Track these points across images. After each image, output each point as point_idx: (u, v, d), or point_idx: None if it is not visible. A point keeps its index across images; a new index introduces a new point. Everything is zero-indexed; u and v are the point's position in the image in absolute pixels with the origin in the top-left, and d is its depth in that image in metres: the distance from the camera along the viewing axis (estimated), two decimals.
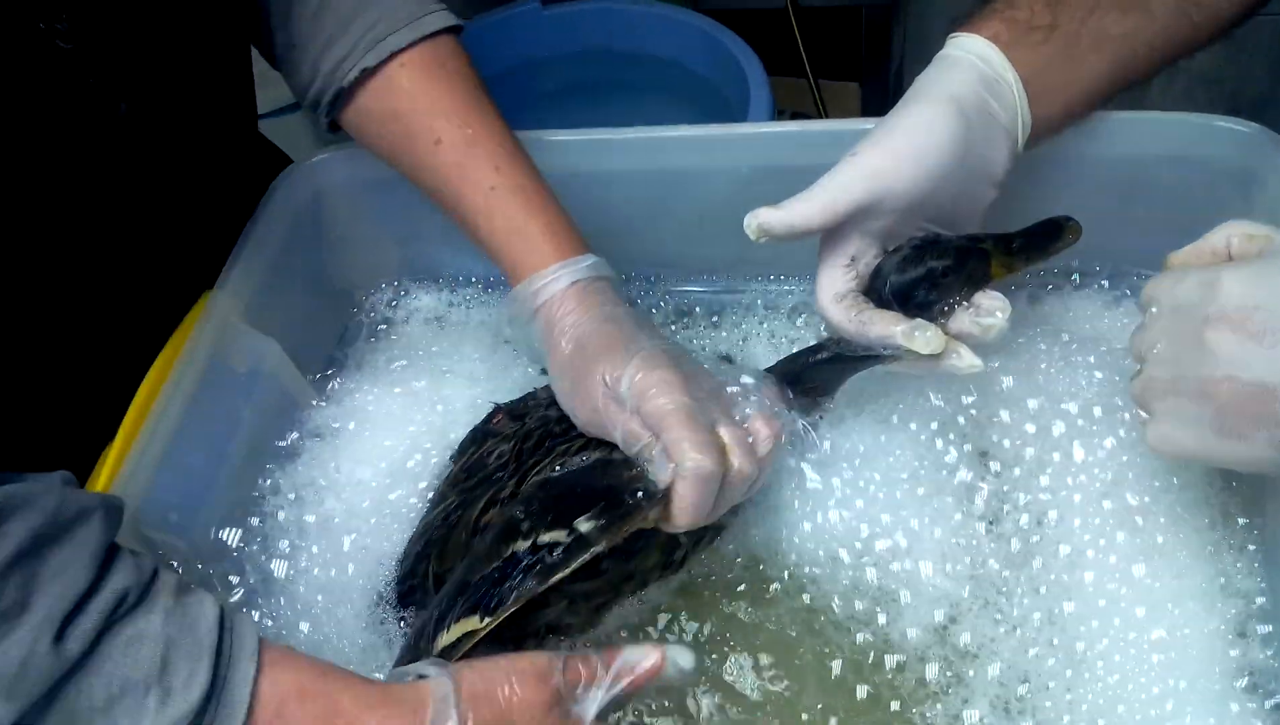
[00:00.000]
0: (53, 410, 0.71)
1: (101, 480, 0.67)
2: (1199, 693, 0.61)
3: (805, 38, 1.58)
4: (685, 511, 0.59)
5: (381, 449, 0.80)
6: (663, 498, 0.59)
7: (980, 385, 0.73)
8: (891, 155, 0.64)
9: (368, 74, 0.74)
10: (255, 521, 0.76)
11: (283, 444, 0.81)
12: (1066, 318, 0.79)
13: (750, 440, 0.62)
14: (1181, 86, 1.65)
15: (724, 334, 0.87)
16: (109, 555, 0.52)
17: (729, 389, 0.65)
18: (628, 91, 1.37)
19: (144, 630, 0.51)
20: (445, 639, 0.59)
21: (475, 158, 0.73)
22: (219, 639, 0.52)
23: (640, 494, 0.59)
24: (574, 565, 0.58)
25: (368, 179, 0.84)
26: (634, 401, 0.61)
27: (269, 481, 0.79)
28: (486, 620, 0.58)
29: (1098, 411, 0.72)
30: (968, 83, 0.66)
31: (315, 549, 0.75)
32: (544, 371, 0.75)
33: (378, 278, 0.95)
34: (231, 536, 0.75)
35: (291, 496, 0.78)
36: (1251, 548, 0.66)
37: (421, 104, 0.74)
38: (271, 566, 0.74)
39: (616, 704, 0.60)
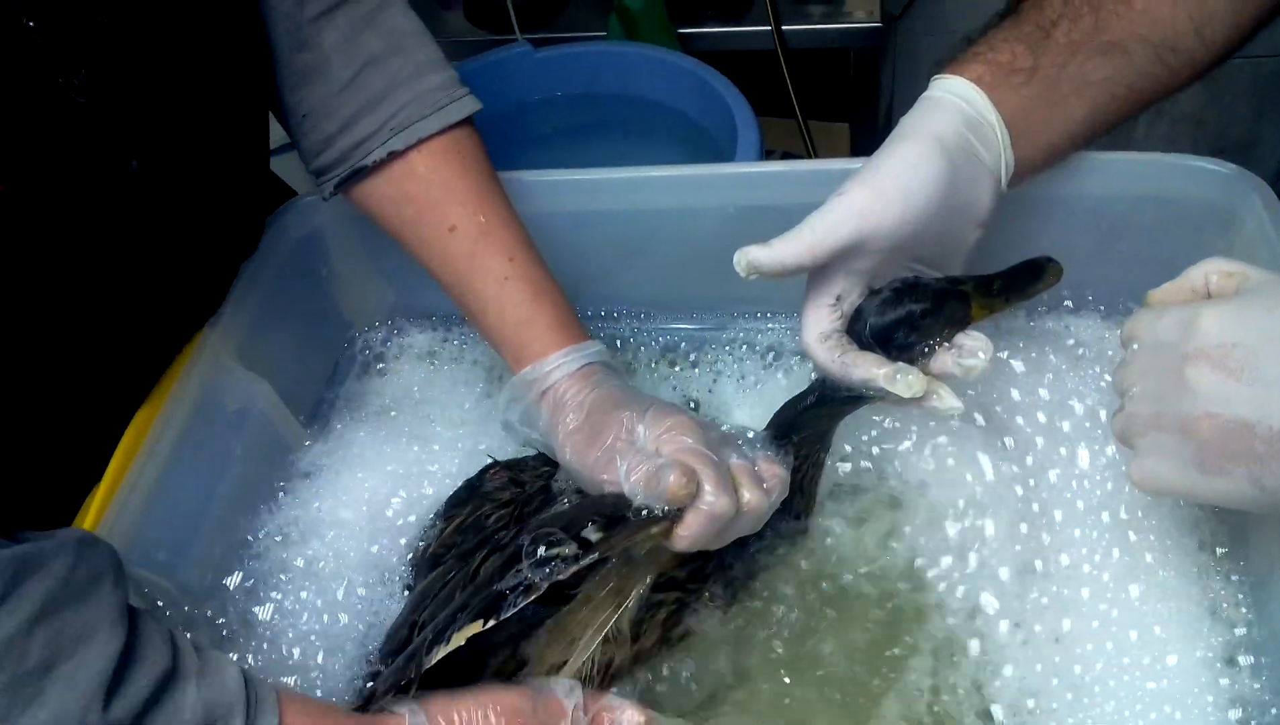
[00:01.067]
0: (45, 449, 0.71)
1: (89, 518, 0.67)
2: (1193, 723, 0.61)
3: (794, 79, 1.60)
4: (691, 538, 0.60)
5: (363, 490, 0.80)
6: (667, 519, 0.60)
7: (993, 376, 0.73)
8: (878, 194, 0.65)
9: (391, 157, 0.75)
10: (246, 562, 0.76)
11: (271, 486, 0.81)
12: (1068, 331, 0.80)
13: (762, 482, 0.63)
14: (1165, 128, 1.67)
15: (696, 372, 0.88)
16: (133, 620, 0.53)
17: (738, 442, 0.66)
18: (617, 133, 1.38)
19: (183, 701, 0.52)
20: (443, 650, 0.59)
21: (488, 247, 0.74)
22: (247, 697, 0.54)
23: (645, 513, 0.60)
24: (578, 566, 0.59)
25: (364, 216, 0.85)
26: (653, 444, 0.63)
27: (257, 521, 0.78)
28: (490, 623, 0.58)
29: (1103, 415, 0.72)
30: (952, 123, 0.67)
31: (304, 594, 0.75)
32: (537, 455, 0.76)
33: (372, 315, 0.95)
34: (219, 579, 0.74)
35: (279, 538, 0.78)
36: (1236, 577, 0.67)
37: (437, 190, 0.75)
38: (257, 611, 0.74)
39: None
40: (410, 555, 0.75)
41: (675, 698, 0.68)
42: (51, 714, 0.48)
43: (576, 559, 0.59)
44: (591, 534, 0.60)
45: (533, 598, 0.59)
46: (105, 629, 0.51)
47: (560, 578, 0.59)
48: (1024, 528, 0.71)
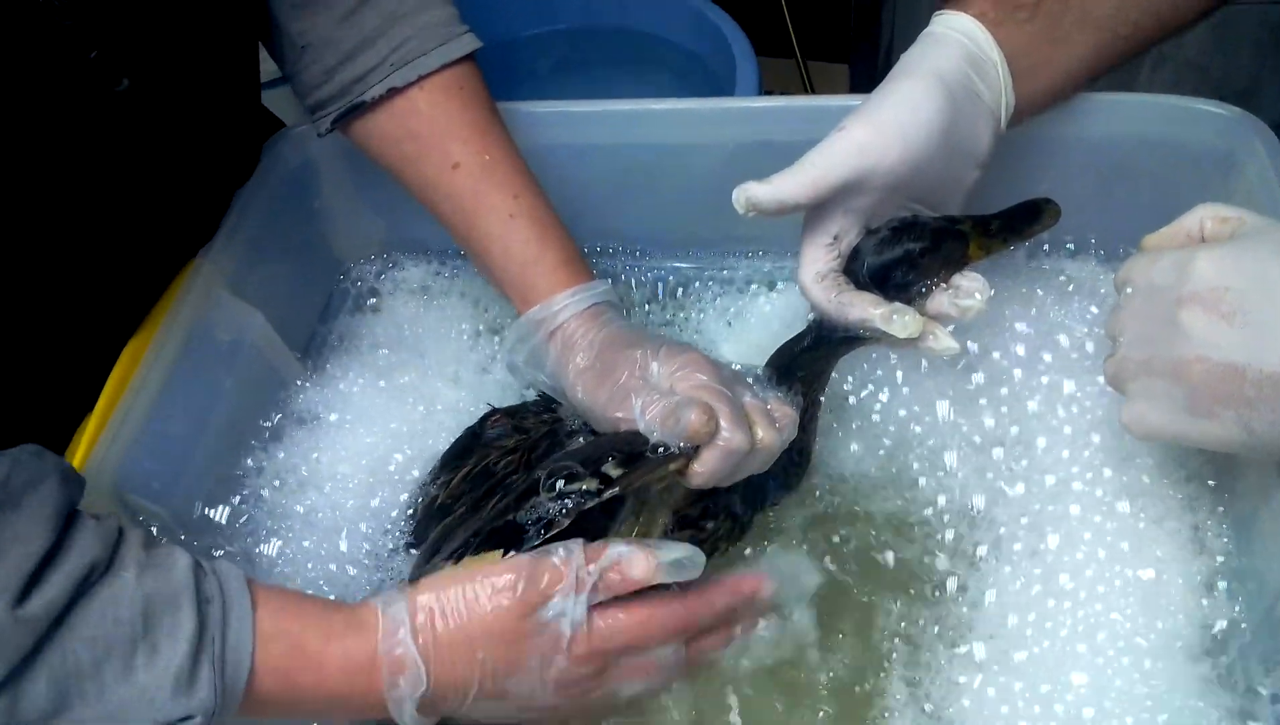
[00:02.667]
0: (37, 376, 0.71)
1: (81, 447, 0.67)
2: (1170, 637, 0.63)
3: (794, 18, 1.58)
4: (707, 474, 0.61)
5: (363, 446, 0.80)
6: (683, 456, 0.60)
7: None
8: (878, 131, 0.65)
9: (392, 92, 0.74)
10: (237, 501, 0.76)
11: (266, 424, 0.81)
12: (1062, 270, 0.80)
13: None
14: (1169, 74, 1.65)
15: (687, 308, 0.89)
16: (69, 522, 0.53)
17: (749, 381, 0.67)
18: (613, 68, 1.37)
19: (119, 592, 0.52)
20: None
21: (493, 184, 0.73)
22: (196, 585, 0.53)
23: (661, 450, 0.60)
24: (599, 501, 0.59)
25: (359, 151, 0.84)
26: (666, 381, 0.63)
27: (251, 461, 0.79)
28: (512, 554, 0.58)
29: (1089, 347, 0.73)
30: (953, 60, 0.67)
31: (306, 544, 0.75)
32: (541, 396, 0.75)
33: (365, 248, 0.95)
34: (214, 512, 0.75)
35: (276, 483, 0.78)
36: (1220, 508, 0.68)
37: (440, 127, 0.74)
38: (258, 549, 0.74)
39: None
40: (410, 511, 0.75)
41: None
42: None
43: (598, 494, 0.59)
44: (611, 470, 0.60)
45: (553, 533, 0.59)
46: (32, 530, 0.51)
47: (585, 507, 0.59)
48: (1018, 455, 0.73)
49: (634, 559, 0.58)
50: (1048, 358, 0.74)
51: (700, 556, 0.61)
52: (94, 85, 0.64)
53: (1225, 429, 0.54)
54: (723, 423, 0.60)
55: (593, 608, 0.58)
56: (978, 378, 0.74)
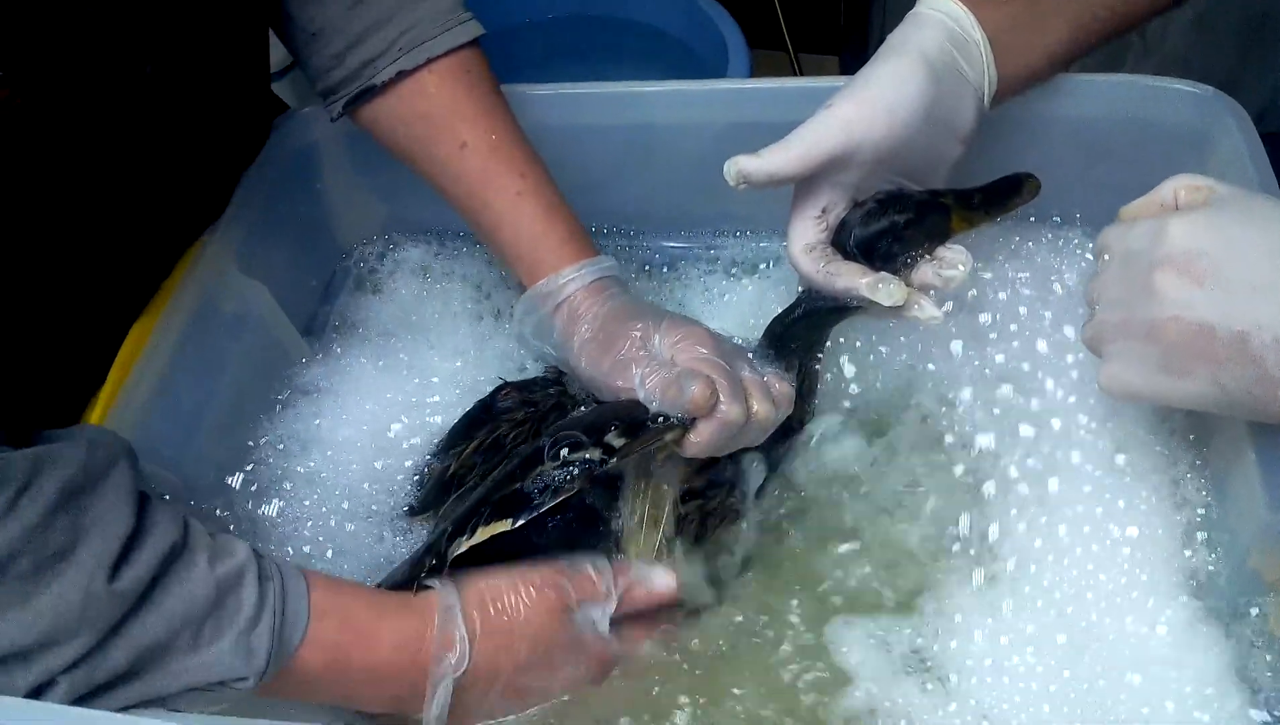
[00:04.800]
0: (52, 352, 0.73)
1: (94, 415, 0.69)
2: (1156, 587, 0.65)
3: (785, 11, 1.60)
4: (703, 445, 0.63)
5: (364, 413, 0.82)
6: (681, 426, 0.62)
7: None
8: (865, 107, 0.67)
9: (401, 76, 0.76)
10: (249, 467, 0.78)
11: (272, 396, 0.83)
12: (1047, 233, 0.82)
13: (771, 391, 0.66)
14: (1153, 66, 1.67)
15: (681, 285, 0.91)
16: (143, 502, 0.56)
17: (748, 355, 0.69)
18: (607, 57, 1.39)
19: (194, 572, 0.55)
20: (467, 543, 0.61)
21: (500, 163, 0.75)
22: (258, 566, 0.57)
23: (661, 419, 0.62)
24: (603, 470, 0.61)
25: (366, 135, 0.85)
26: (667, 352, 0.65)
27: (259, 430, 0.81)
28: (519, 522, 0.61)
29: (1082, 312, 0.74)
30: (937, 39, 0.69)
31: (307, 503, 0.77)
32: (549, 369, 0.78)
33: (368, 229, 0.96)
34: (223, 479, 0.77)
35: (281, 447, 0.80)
36: (1199, 462, 0.70)
37: (448, 109, 0.76)
38: (261, 511, 0.76)
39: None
40: (417, 476, 0.77)
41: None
42: (63, 592, 0.50)
43: (601, 463, 0.61)
44: (614, 439, 0.62)
45: (559, 499, 0.61)
46: (117, 511, 0.53)
47: (590, 474, 0.61)
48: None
49: (655, 578, 0.64)
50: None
51: (710, 594, 0.66)
52: (122, 71, 0.66)
53: (1199, 387, 0.57)
54: (719, 395, 0.62)
55: (613, 622, 0.63)
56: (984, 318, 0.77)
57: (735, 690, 0.65)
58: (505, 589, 0.61)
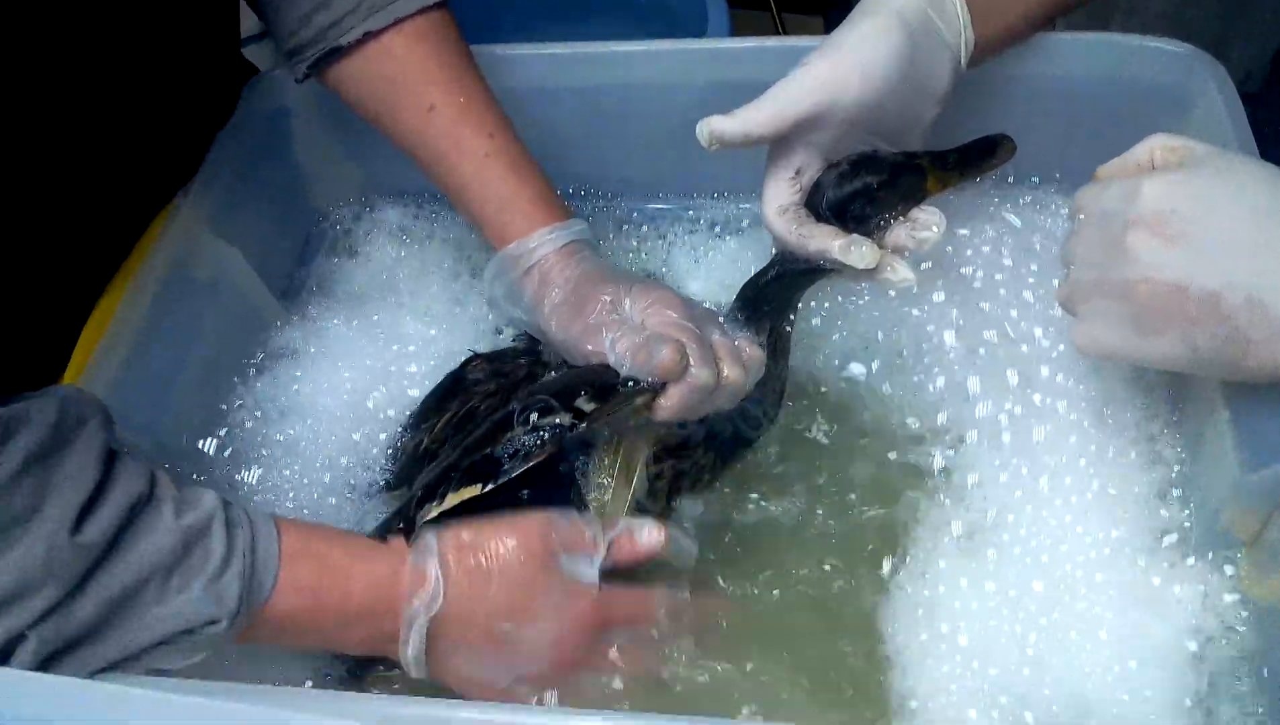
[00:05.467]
0: (24, 316, 0.72)
1: (66, 380, 0.69)
2: (1131, 541, 0.66)
3: None
4: (673, 409, 0.63)
5: (342, 380, 0.82)
6: (652, 390, 0.62)
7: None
8: (839, 66, 0.66)
9: (367, 37, 0.75)
10: (223, 432, 0.78)
11: (247, 361, 0.83)
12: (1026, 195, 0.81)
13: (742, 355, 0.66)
14: (1138, 27, 1.67)
15: (657, 247, 0.90)
16: (111, 458, 0.55)
17: (719, 319, 0.69)
18: (581, 18, 1.37)
19: (158, 522, 0.55)
20: (437, 509, 0.61)
21: (468, 125, 0.74)
22: (225, 513, 0.57)
23: (631, 383, 0.62)
24: (574, 435, 0.61)
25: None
26: (638, 316, 0.65)
27: (234, 394, 0.80)
28: (489, 487, 0.61)
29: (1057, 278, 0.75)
30: (913, 0, 0.68)
31: (287, 473, 0.77)
32: (518, 335, 0.78)
33: (343, 192, 0.96)
34: (199, 443, 0.76)
35: (258, 413, 0.80)
36: (1175, 418, 0.71)
37: (415, 71, 0.75)
38: (239, 477, 0.76)
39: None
40: (391, 450, 0.77)
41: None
42: (29, 548, 0.50)
43: (571, 428, 0.61)
44: (585, 404, 0.62)
45: (530, 463, 0.60)
46: (85, 468, 0.53)
47: (561, 439, 0.61)
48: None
49: (644, 529, 0.63)
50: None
51: (695, 549, 0.66)
52: (88, 35, 0.65)
53: (1171, 346, 0.57)
54: (689, 359, 0.62)
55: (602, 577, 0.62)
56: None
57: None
58: (486, 532, 0.61)
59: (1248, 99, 0.74)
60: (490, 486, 0.61)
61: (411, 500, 0.63)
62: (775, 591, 0.69)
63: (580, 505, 0.65)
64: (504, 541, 0.60)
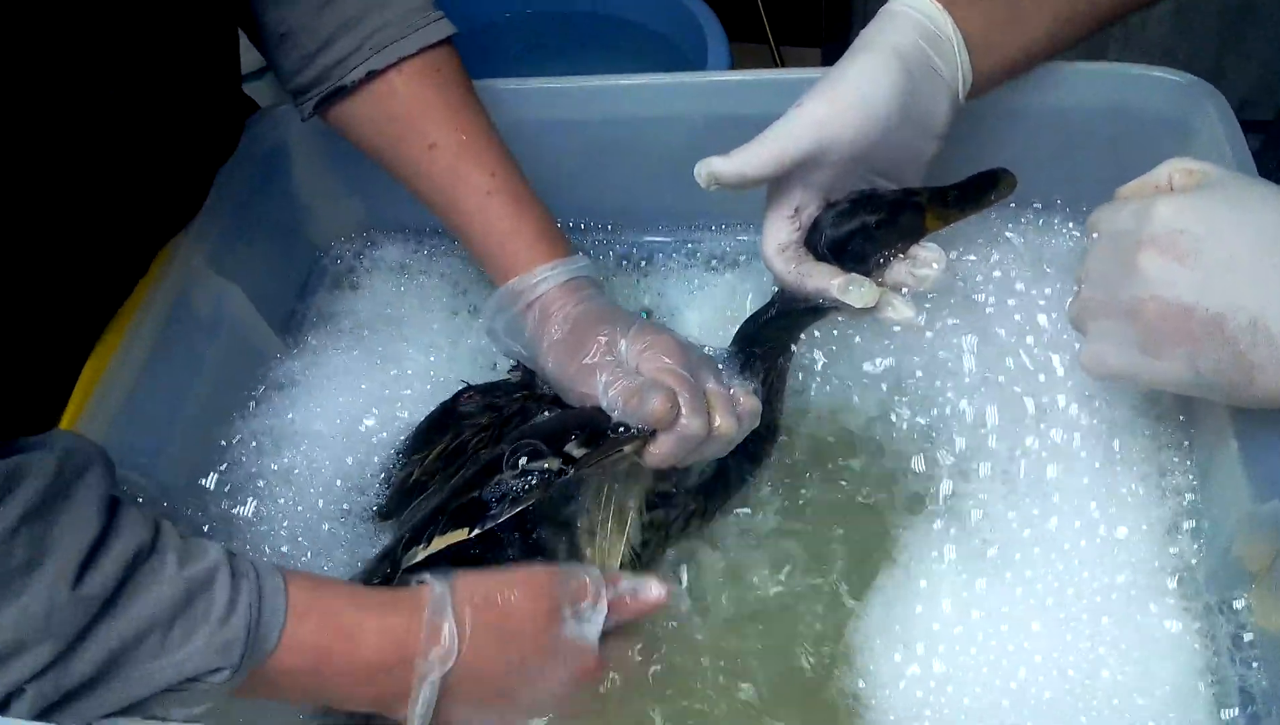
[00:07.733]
0: (25, 356, 0.72)
1: (66, 421, 0.68)
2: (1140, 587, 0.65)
3: (766, 2, 1.60)
4: (662, 457, 0.63)
5: (337, 406, 0.81)
6: (642, 437, 0.62)
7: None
8: (836, 106, 0.66)
9: (371, 76, 0.75)
10: (223, 467, 0.77)
11: (247, 395, 0.82)
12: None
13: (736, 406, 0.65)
14: (1136, 56, 1.68)
15: (656, 281, 0.90)
16: (114, 507, 0.55)
17: (717, 367, 0.68)
18: (587, 52, 1.38)
19: (160, 575, 0.54)
20: (424, 552, 0.60)
21: (469, 163, 0.75)
22: (230, 565, 0.56)
23: (621, 429, 0.62)
24: (563, 481, 0.60)
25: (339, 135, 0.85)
26: (633, 360, 0.65)
27: (233, 431, 0.80)
28: (476, 531, 0.60)
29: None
30: (909, 36, 0.68)
31: (282, 501, 0.76)
32: (513, 367, 0.77)
33: (344, 227, 0.96)
34: (199, 481, 0.76)
35: (254, 444, 0.79)
36: (1186, 443, 0.70)
37: (417, 109, 0.76)
38: (236, 511, 0.75)
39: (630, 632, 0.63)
40: (382, 475, 0.77)
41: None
42: (28, 602, 0.50)
43: (561, 473, 0.60)
44: (574, 449, 0.61)
45: (518, 509, 0.60)
46: (86, 519, 0.53)
47: (549, 484, 0.60)
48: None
49: (648, 587, 0.63)
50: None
51: (687, 600, 0.66)
52: (89, 75, 0.65)
53: (1176, 368, 0.57)
54: (681, 408, 0.61)
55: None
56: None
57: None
58: (496, 587, 0.60)
59: (1247, 126, 0.74)
60: (477, 531, 0.60)
61: (399, 543, 0.63)
62: (747, 606, 0.68)
63: (576, 554, 0.64)
64: (515, 596, 0.60)
